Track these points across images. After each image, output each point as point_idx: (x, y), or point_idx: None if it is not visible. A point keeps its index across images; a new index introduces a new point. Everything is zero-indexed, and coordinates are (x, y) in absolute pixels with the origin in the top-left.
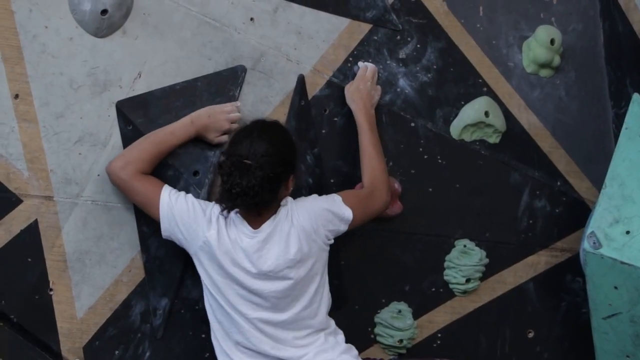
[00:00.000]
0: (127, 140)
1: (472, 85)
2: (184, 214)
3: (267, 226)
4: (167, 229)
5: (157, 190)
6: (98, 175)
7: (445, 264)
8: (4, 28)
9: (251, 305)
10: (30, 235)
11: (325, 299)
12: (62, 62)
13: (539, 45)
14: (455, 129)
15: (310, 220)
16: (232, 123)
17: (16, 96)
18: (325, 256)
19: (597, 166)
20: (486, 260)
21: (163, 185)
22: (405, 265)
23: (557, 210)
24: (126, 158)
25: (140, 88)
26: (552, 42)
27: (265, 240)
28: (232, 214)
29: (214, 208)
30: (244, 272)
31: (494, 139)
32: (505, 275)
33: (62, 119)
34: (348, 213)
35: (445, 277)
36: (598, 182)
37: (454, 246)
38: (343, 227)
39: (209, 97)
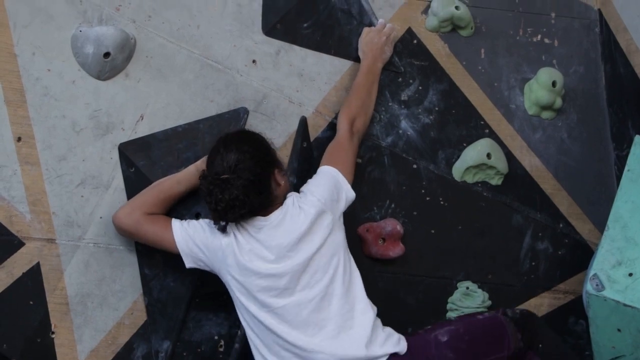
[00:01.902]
0: (129, 183)
1: (474, 127)
2: (199, 233)
3: (276, 215)
4: (188, 254)
5: (167, 223)
6: (100, 217)
7: (448, 306)
8: (6, 71)
9: (280, 293)
10: (33, 278)
11: (356, 275)
12: (65, 105)
13: (541, 87)
14: (458, 170)
15: (321, 199)
16: None
17: (19, 139)
18: (341, 237)
19: (599, 208)
20: (489, 302)
21: (171, 219)
22: (407, 307)
23: (559, 252)
24: (131, 205)
25: (143, 130)
26: (553, 84)
27: (277, 226)
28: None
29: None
30: (264, 261)
31: (496, 181)
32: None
33: (65, 161)
34: (342, 179)
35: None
36: (600, 224)
37: (456, 288)
38: (350, 194)
39: (211, 139)
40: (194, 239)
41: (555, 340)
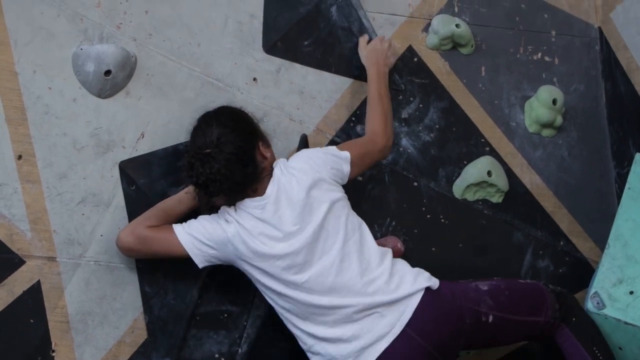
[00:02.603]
0: (130, 201)
1: (474, 144)
2: (202, 229)
3: (270, 189)
4: (197, 254)
5: (170, 230)
6: (101, 235)
7: None
8: (7, 89)
9: (301, 268)
10: (33, 297)
11: (365, 230)
12: (66, 123)
13: (541, 105)
14: (458, 188)
15: (308, 163)
16: None
17: (19, 157)
18: (341, 196)
19: (600, 226)
20: None
21: (172, 225)
22: None
23: (560, 270)
24: (133, 224)
25: (144, 148)
26: (554, 102)
27: (276, 201)
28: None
29: (223, 209)
30: (275, 241)
31: (496, 199)
32: None
33: (65, 179)
34: (345, 154)
35: None
36: (601, 242)
37: None
38: (345, 166)
39: None
40: (198, 237)
41: (588, 318)
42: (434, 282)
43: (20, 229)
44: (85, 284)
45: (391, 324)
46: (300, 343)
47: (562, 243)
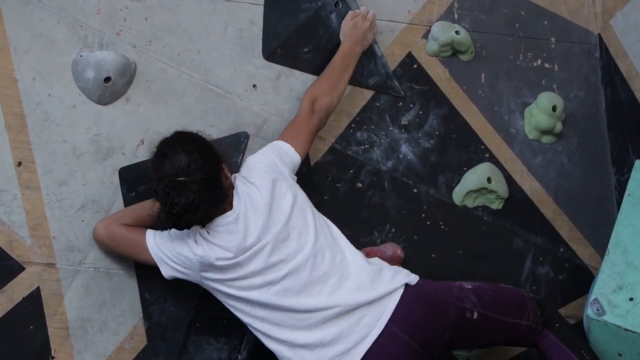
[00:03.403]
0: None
1: (474, 151)
2: (170, 247)
3: (236, 202)
4: (165, 267)
5: (142, 235)
6: None
7: None
8: (7, 96)
9: (276, 266)
10: (33, 303)
11: (333, 227)
12: (65, 130)
13: (541, 111)
14: (458, 195)
15: (261, 167)
16: None
17: (19, 164)
18: (301, 192)
19: (600, 232)
20: None
21: (147, 230)
22: None
23: (560, 277)
24: (109, 219)
25: (143, 155)
26: (554, 108)
27: (245, 212)
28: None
29: (195, 228)
30: (249, 249)
31: (496, 205)
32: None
33: (65, 186)
34: (286, 145)
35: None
36: (601, 248)
37: None
38: (294, 156)
39: None
40: (165, 253)
41: (570, 326)
42: (413, 278)
43: (20, 236)
44: (84, 290)
45: (373, 323)
46: (280, 358)
47: (562, 249)
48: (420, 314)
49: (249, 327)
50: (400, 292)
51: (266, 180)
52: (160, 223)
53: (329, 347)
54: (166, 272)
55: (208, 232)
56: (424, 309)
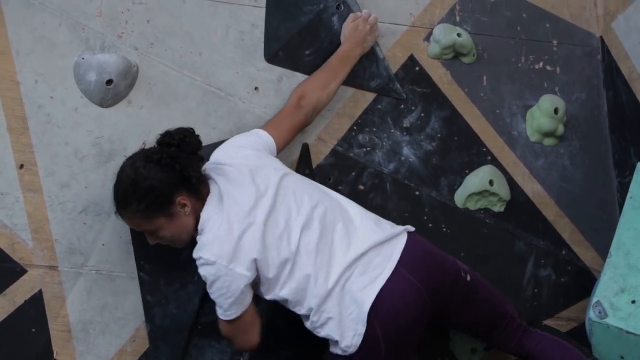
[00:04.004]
0: None
1: (476, 154)
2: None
3: (213, 187)
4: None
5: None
6: (102, 244)
7: (451, 334)
8: (9, 99)
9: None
10: (35, 306)
11: (330, 190)
12: (67, 132)
13: (543, 114)
14: (460, 197)
15: (230, 149)
16: None
17: (21, 166)
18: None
19: (602, 235)
20: None
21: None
22: None
23: (562, 279)
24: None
25: None
26: (555, 111)
27: (226, 191)
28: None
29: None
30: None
31: (498, 208)
32: None
33: (67, 188)
34: (258, 131)
35: (450, 347)
36: (603, 251)
37: None
38: (262, 140)
39: None
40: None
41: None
42: (410, 227)
43: (22, 238)
44: (86, 293)
45: (383, 264)
46: (307, 322)
47: (564, 252)
48: (425, 261)
49: None
50: (404, 237)
51: (239, 156)
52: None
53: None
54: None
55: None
56: (428, 258)
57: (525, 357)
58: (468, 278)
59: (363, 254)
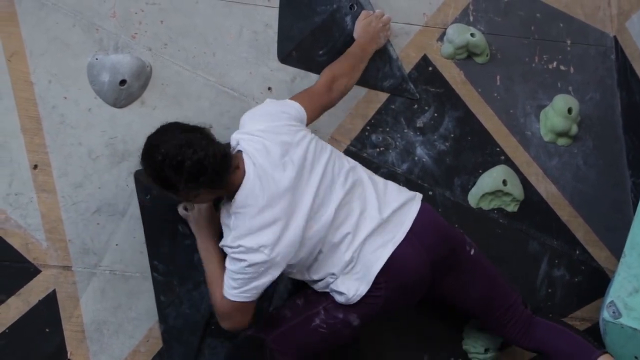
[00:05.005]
0: (145, 210)
1: (489, 153)
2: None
3: (248, 163)
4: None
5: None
6: (116, 245)
7: (464, 334)
8: (23, 99)
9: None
10: (49, 306)
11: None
12: (81, 133)
13: (557, 114)
14: (473, 197)
15: (262, 122)
16: None
17: (35, 167)
18: (309, 134)
19: (616, 235)
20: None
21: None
22: (423, 334)
23: (576, 279)
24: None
25: None
26: (569, 111)
27: (263, 173)
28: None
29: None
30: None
31: (512, 208)
32: None
33: (81, 189)
34: (291, 102)
35: (464, 347)
36: (617, 250)
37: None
38: (295, 110)
39: None
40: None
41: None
42: (418, 195)
43: (36, 239)
44: (100, 293)
45: (396, 230)
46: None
47: (577, 252)
48: (434, 230)
49: None
50: (417, 205)
51: (273, 134)
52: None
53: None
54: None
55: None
56: (437, 228)
57: (532, 347)
58: (472, 252)
59: (384, 221)
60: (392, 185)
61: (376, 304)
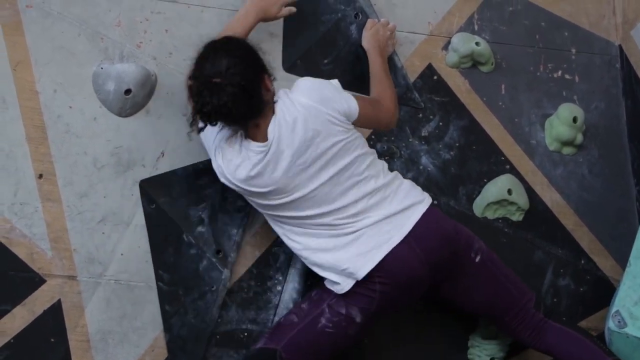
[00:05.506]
0: (150, 219)
1: (494, 163)
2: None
3: (272, 132)
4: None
5: None
6: (121, 254)
7: (470, 343)
8: (28, 108)
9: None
10: (54, 316)
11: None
12: (86, 142)
13: (562, 123)
14: (479, 206)
15: (315, 97)
16: None
17: (40, 176)
18: (346, 137)
19: (621, 244)
20: (510, 339)
21: None
22: (428, 342)
23: (581, 289)
24: None
25: (164, 167)
26: (574, 120)
27: (277, 151)
28: (239, 143)
29: (218, 135)
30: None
31: (517, 217)
32: (529, 353)
33: (86, 198)
34: (349, 97)
35: (469, 356)
36: (622, 260)
37: (478, 324)
38: (348, 106)
39: None
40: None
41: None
42: (428, 198)
43: (41, 248)
44: (105, 302)
45: (394, 232)
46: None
47: (583, 261)
48: (436, 236)
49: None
50: (422, 209)
51: (313, 118)
52: (193, 123)
53: (348, 248)
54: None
55: (229, 144)
56: (439, 233)
57: (543, 349)
58: (477, 259)
59: (380, 221)
60: (405, 185)
61: (373, 298)
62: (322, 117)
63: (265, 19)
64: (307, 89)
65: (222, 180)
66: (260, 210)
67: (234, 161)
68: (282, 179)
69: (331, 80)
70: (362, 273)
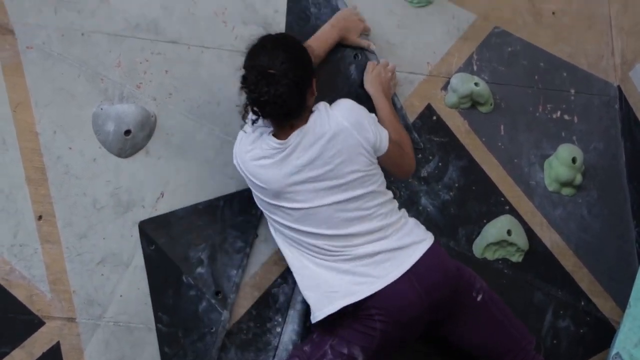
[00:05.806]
0: (150, 261)
1: (494, 203)
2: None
3: (294, 136)
4: None
5: None
6: (120, 296)
7: None
8: (28, 150)
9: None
10: (53, 358)
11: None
12: (86, 183)
13: (561, 163)
14: (478, 247)
15: (347, 118)
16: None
17: (40, 217)
18: (369, 169)
19: (621, 286)
20: None
21: None
22: None
23: (581, 330)
24: None
25: (163, 208)
26: (573, 160)
27: (289, 156)
28: (261, 133)
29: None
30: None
31: (516, 258)
32: None
33: (85, 239)
34: (384, 131)
35: None
36: (622, 301)
37: None
38: (380, 140)
39: (231, 215)
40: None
41: None
42: (431, 236)
43: (40, 290)
44: (104, 344)
45: (392, 268)
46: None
47: (582, 303)
48: (437, 274)
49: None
50: (424, 247)
51: (340, 143)
52: (244, 115)
53: (343, 276)
54: None
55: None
56: (440, 272)
57: None
58: (479, 299)
59: (378, 253)
60: (410, 223)
61: (374, 336)
62: (351, 140)
63: (345, 41)
64: (347, 109)
65: (234, 162)
66: (264, 210)
67: (247, 147)
68: (283, 181)
69: (371, 114)
70: (354, 298)
